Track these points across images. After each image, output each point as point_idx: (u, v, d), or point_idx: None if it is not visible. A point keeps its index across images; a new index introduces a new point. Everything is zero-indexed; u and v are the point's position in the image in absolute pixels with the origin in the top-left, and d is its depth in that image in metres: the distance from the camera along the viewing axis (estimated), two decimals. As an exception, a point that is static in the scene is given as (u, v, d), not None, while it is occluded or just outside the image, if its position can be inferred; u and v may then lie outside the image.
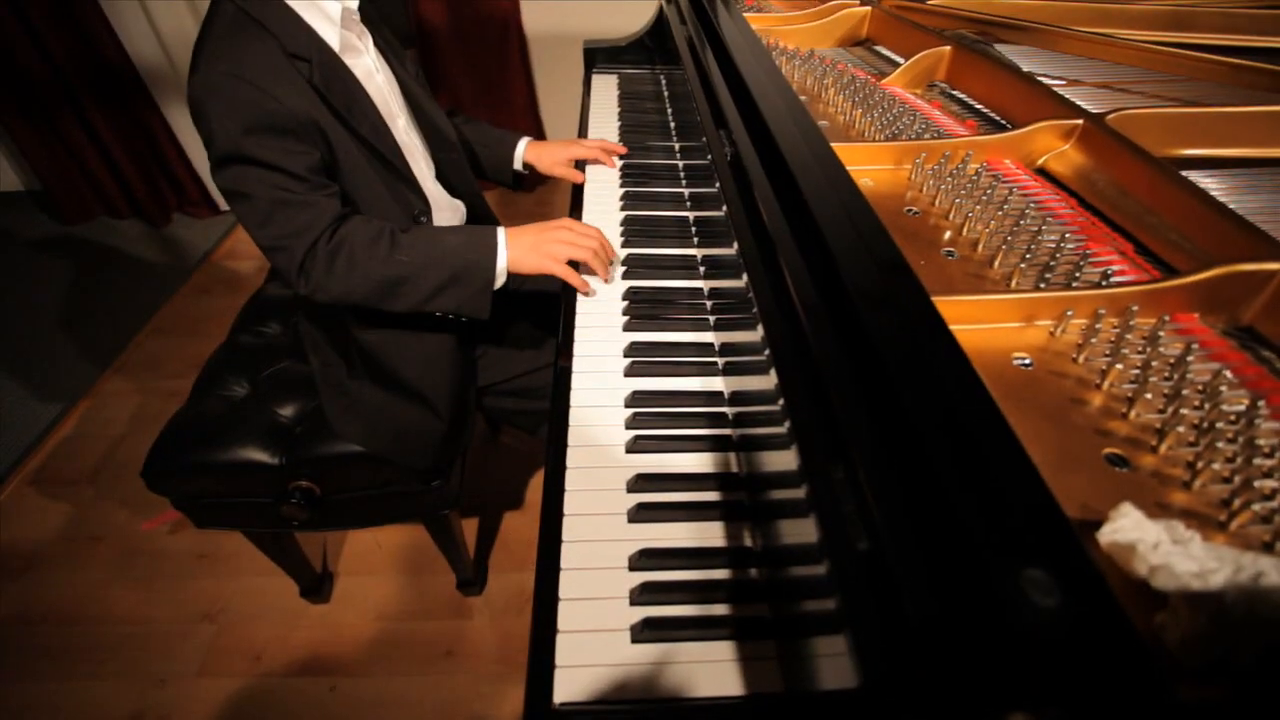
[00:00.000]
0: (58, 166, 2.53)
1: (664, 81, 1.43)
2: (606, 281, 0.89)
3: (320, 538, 1.48)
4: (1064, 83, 0.94)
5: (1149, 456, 0.45)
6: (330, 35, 0.81)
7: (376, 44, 0.92)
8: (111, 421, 1.80)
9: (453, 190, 1.07)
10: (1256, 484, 0.42)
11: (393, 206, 0.90)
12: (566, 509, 0.61)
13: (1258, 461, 0.43)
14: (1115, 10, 1.13)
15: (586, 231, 0.89)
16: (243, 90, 0.73)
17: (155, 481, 1.01)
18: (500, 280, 0.87)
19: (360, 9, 0.87)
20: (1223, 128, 0.77)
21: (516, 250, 0.86)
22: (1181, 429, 0.46)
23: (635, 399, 0.72)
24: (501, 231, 0.86)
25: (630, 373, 0.76)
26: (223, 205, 2.71)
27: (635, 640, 0.53)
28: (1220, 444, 0.45)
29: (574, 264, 0.89)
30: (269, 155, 0.75)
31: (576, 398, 0.73)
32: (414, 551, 1.46)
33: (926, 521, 0.32)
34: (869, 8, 1.17)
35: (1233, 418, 0.46)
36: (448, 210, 1.04)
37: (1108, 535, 0.37)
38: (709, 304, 0.86)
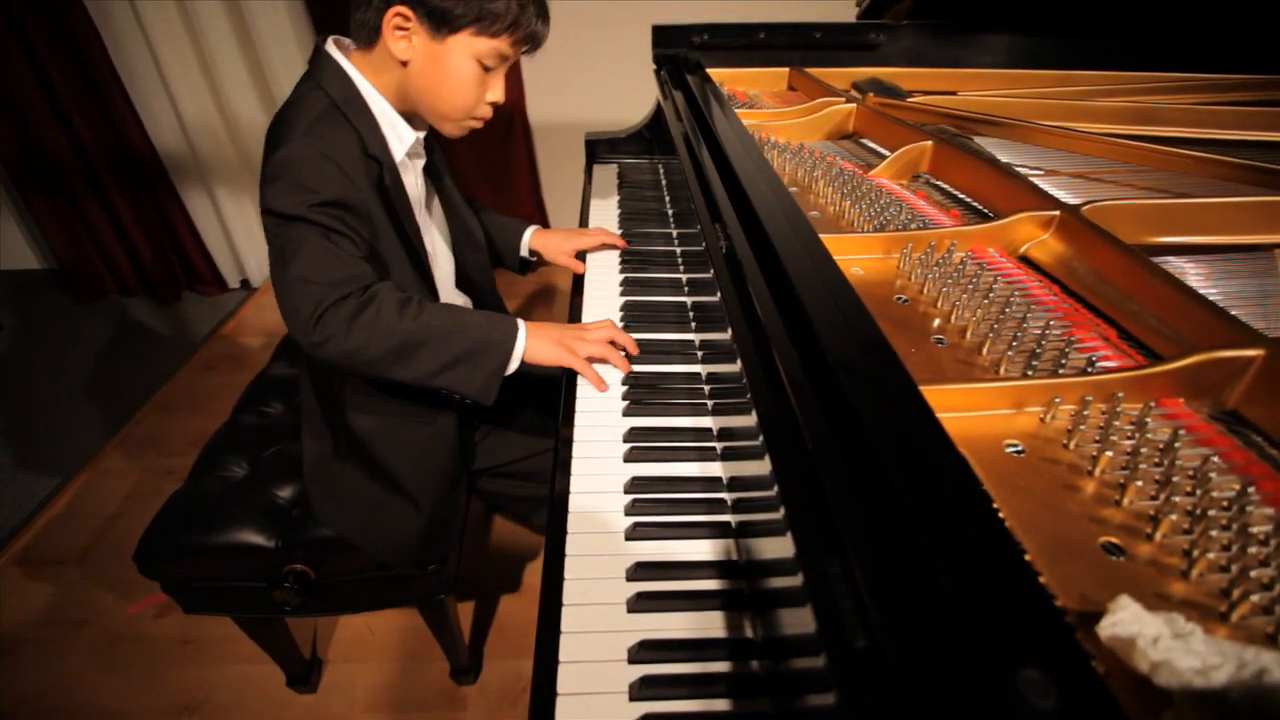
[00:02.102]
0: (75, 246, 2.62)
1: (662, 171, 1.50)
2: (626, 372, 0.90)
3: (311, 623, 1.44)
4: (1041, 173, 0.99)
5: (1145, 545, 0.46)
6: (398, 151, 0.89)
7: (428, 164, 1.01)
8: (106, 500, 1.79)
9: (469, 284, 1.12)
10: (1253, 573, 0.42)
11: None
12: (565, 598, 0.60)
13: (1253, 550, 0.44)
14: (1086, 106, 1.20)
15: (600, 326, 0.93)
16: (328, 169, 0.79)
17: (147, 565, 1.00)
18: (514, 366, 0.88)
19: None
20: (1193, 217, 0.80)
21: (535, 340, 0.88)
22: (1175, 516, 0.46)
23: (634, 485, 0.72)
24: (522, 322, 0.90)
25: (629, 458, 0.77)
26: (231, 283, 2.78)
27: (635, 738, 0.51)
28: (1214, 532, 0.45)
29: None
30: (330, 223, 0.79)
31: (576, 484, 0.73)
32: (407, 637, 1.42)
33: (922, 620, 0.32)
34: (854, 105, 1.25)
35: (1225, 504, 0.47)
36: (457, 302, 1.10)
37: (1107, 629, 0.37)
38: (707, 388, 0.87)
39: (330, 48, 0.86)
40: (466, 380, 0.85)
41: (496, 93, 0.88)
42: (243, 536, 0.99)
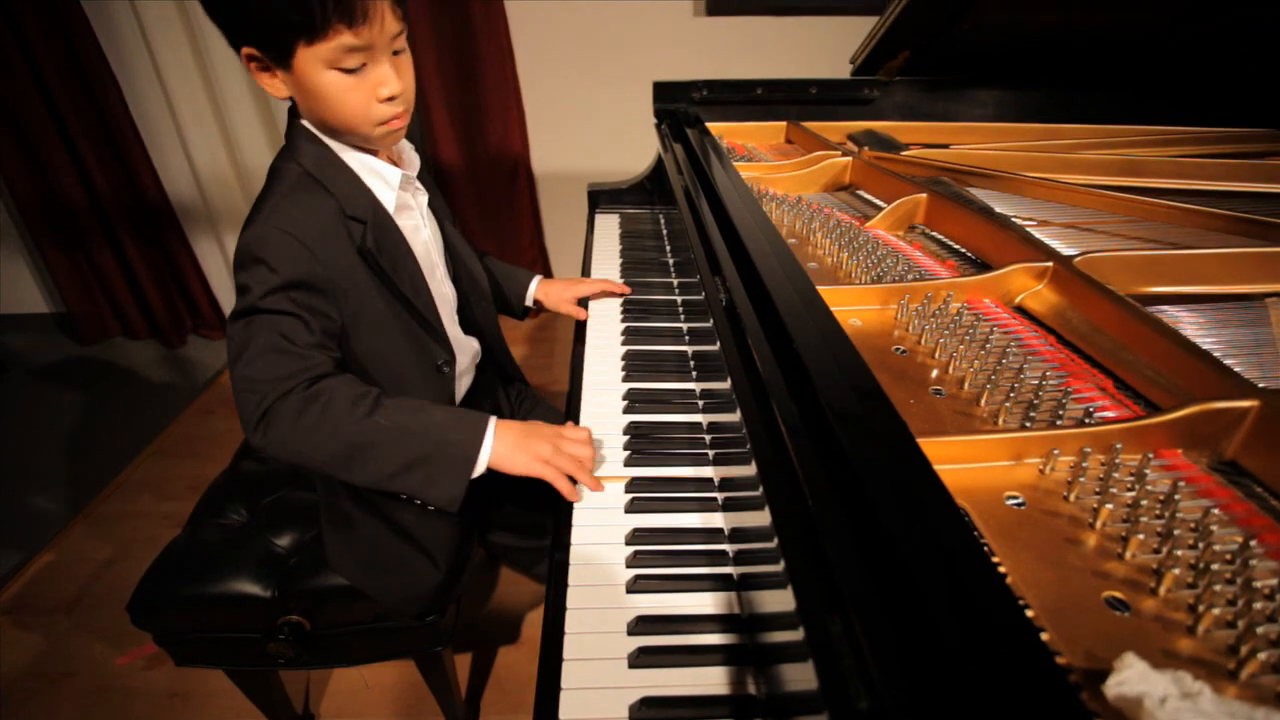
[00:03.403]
0: (84, 290, 2.66)
1: (663, 221, 1.53)
2: (598, 491, 0.81)
3: (304, 676, 1.41)
4: (1034, 223, 1.01)
5: (1149, 600, 0.45)
6: (387, 198, 0.85)
7: (430, 203, 0.97)
8: (100, 546, 1.77)
9: (475, 331, 1.10)
10: (1260, 630, 0.41)
11: (412, 360, 0.91)
12: (565, 653, 0.59)
13: (1258, 605, 0.43)
14: (1074, 159, 1.24)
15: (577, 438, 0.83)
16: (293, 248, 0.75)
17: (141, 616, 0.98)
18: (479, 470, 0.79)
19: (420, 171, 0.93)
20: (1184, 268, 0.82)
21: (503, 444, 0.80)
22: (1178, 570, 0.46)
23: (636, 536, 0.72)
24: (493, 421, 0.81)
25: (631, 509, 0.76)
26: (236, 327, 2.80)
27: (636, 801, 0.50)
28: (1219, 586, 0.45)
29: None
30: (288, 307, 0.75)
31: (578, 535, 0.73)
32: (402, 690, 1.38)
33: (924, 679, 0.32)
34: (850, 158, 1.28)
35: (1228, 557, 0.46)
36: (468, 354, 1.07)
37: (1113, 689, 0.37)
38: (708, 438, 0.87)
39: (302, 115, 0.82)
40: (425, 487, 0.78)
41: (389, 87, 0.76)
42: (239, 586, 0.98)
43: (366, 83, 0.75)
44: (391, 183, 0.86)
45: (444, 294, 1.00)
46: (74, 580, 1.67)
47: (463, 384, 1.08)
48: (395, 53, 0.77)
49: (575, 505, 0.77)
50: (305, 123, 0.82)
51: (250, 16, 0.70)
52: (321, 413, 0.75)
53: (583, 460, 0.82)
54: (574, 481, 0.81)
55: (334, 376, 0.78)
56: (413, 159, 0.92)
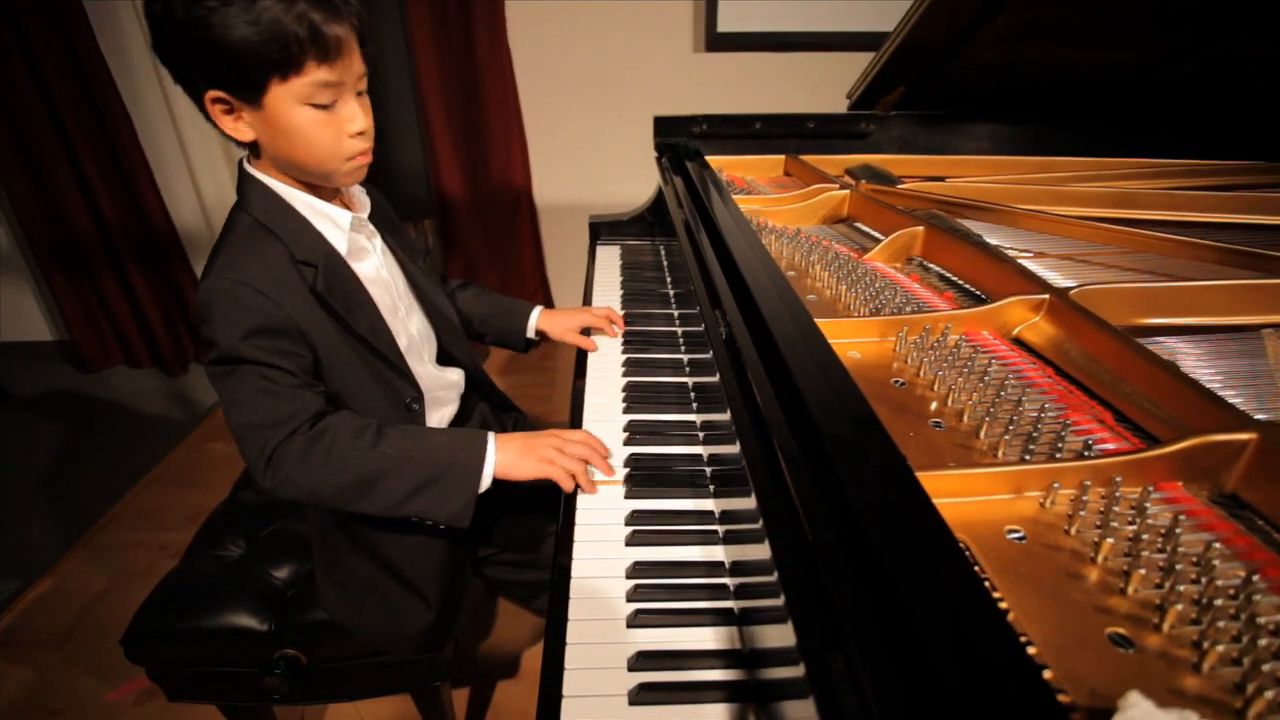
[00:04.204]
0: (89, 318, 2.68)
1: (663, 252, 1.55)
2: (610, 475, 0.86)
3: (299, 711, 1.38)
4: (1030, 254, 1.02)
5: (1153, 636, 0.45)
6: (339, 241, 0.86)
7: (386, 242, 0.97)
8: (96, 576, 1.75)
9: (454, 361, 1.10)
10: (1266, 667, 0.41)
11: (381, 398, 0.91)
12: (565, 689, 0.58)
13: (1263, 642, 0.43)
14: (1069, 192, 1.25)
15: (576, 439, 0.88)
16: (246, 296, 0.76)
17: (134, 650, 0.97)
18: (485, 484, 0.83)
19: (372, 208, 0.93)
20: (1179, 300, 0.83)
21: (506, 454, 0.84)
22: (1181, 606, 0.46)
23: (636, 570, 0.72)
24: (492, 435, 0.85)
25: (631, 542, 0.76)
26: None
27: (636, 844, 0.49)
28: (1222, 622, 0.45)
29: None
30: (264, 355, 0.77)
31: (578, 568, 0.72)
32: (398, 726, 1.36)
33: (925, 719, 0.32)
34: (848, 191, 1.30)
35: (1231, 592, 0.46)
36: (447, 387, 1.07)
37: (1119, 728, 0.36)
38: (708, 470, 0.87)
39: (247, 165, 0.83)
40: (436, 506, 0.81)
41: (357, 123, 0.78)
42: (236, 620, 0.97)
43: (337, 118, 0.77)
44: (342, 225, 0.86)
45: (412, 332, 0.99)
46: (68, 612, 1.65)
47: (446, 416, 1.07)
48: (359, 93, 0.79)
49: (576, 539, 0.76)
50: (254, 172, 0.83)
51: (225, 56, 0.70)
52: (327, 450, 0.78)
53: (586, 456, 0.86)
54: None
55: (334, 414, 0.82)
56: (363, 201, 0.93)
